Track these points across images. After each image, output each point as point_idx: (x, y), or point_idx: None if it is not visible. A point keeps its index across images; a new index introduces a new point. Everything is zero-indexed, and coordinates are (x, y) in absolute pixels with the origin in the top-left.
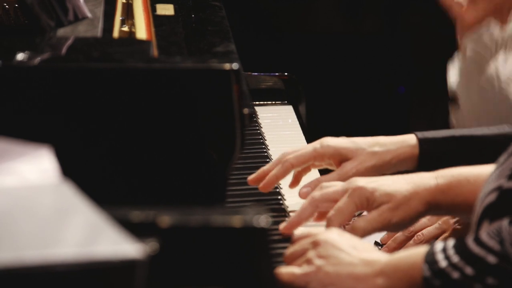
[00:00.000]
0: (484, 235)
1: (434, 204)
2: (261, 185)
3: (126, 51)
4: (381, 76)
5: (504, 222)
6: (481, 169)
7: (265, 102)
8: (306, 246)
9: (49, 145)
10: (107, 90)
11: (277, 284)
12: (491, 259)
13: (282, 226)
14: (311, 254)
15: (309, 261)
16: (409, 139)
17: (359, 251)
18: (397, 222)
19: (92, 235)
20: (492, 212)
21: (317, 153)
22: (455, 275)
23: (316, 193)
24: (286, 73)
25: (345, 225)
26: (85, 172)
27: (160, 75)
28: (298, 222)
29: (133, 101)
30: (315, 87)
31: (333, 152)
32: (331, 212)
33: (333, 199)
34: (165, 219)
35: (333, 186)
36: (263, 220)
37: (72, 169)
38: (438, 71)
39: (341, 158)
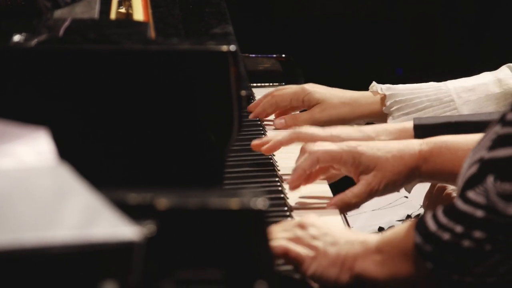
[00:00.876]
0: (471, 193)
1: (417, 170)
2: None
3: (123, 33)
4: (379, 57)
5: (490, 178)
6: (464, 138)
7: (263, 84)
8: (291, 228)
9: (45, 127)
10: (104, 72)
11: (274, 266)
12: (479, 213)
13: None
14: (301, 233)
15: (304, 242)
16: (408, 125)
17: (346, 232)
18: (384, 188)
19: (89, 217)
20: (474, 184)
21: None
22: (446, 236)
23: (310, 145)
24: (283, 55)
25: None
26: (82, 154)
27: (157, 57)
28: (302, 175)
29: (130, 83)
30: (313, 69)
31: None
32: (318, 147)
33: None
34: (163, 202)
35: (330, 144)
36: (260, 202)
37: (69, 151)
38: (435, 53)
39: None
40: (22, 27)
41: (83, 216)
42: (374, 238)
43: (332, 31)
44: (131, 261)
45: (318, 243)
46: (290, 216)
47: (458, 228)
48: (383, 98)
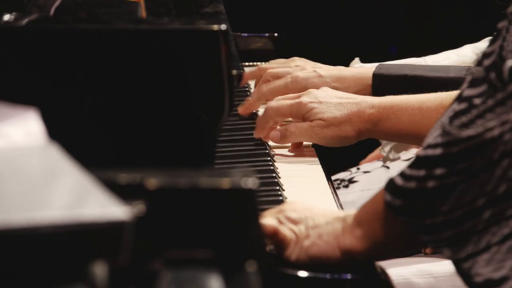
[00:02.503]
0: (429, 138)
1: (366, 131)
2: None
3: (114, 12)
4: (372, 36)
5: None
6: (412, 99)
7: (255, 63)
8: (271, 214)
9: (35, 107)
10: (95, 52)
11: (264, 245)
12: (438, 151)
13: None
14: (282, 219)
15: (285, 224)
16: (366, 74)
17: (326, 212)
18: (327, 139)
19: (79, 197)
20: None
21: (288, 88)
22: (412, 184)
23: (272, 103)
24: (275, 34)
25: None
26: (72, 134)
27: (147, 37)
28: (263, 128)
29: (120, 63)
30: (306, 47)
31: (301, 88)
32: (271, 103)
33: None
34: (153, 181)
35: (283, 101)
36: (251, 181)
37: (60, 131)
38: (429, 32)
39: None
40: (12, 6)
41: (73, 196)
42: (352, 212)
43: (324, 9)
44: (121, 241)
45: (300, 228)
46: (281, 195)
47: (421, 172)
48: None
